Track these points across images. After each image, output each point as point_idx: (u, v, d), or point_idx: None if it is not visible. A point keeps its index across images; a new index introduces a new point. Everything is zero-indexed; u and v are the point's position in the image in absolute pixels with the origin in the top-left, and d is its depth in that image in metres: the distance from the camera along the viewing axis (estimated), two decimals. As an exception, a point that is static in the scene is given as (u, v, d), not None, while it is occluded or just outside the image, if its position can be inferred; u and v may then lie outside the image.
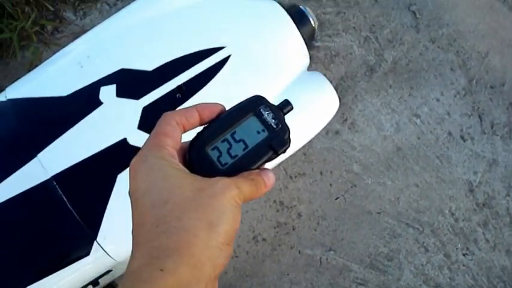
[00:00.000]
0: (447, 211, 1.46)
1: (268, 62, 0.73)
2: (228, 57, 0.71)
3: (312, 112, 0.75)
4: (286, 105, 0.45)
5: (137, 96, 0.69)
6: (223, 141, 0.42)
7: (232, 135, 0.42)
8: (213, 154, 0.41)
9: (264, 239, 1.41)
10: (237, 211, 0.38)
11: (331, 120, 1.51)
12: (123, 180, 0.67)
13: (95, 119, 0.68)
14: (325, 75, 1.12)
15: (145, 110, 0.69)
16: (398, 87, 1.57)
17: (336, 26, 1.62)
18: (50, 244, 0.66)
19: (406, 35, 1.62)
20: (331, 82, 1.52)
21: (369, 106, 1.54)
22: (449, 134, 1.53)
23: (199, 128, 0.43)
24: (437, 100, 1.56)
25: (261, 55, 0.73)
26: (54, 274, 0.65)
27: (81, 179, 0.66)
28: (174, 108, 0.69)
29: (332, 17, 1.63)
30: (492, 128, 1.55)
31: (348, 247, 1.41)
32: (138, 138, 0.67)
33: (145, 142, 0.40)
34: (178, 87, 0.70)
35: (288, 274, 1.39)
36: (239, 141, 0.42)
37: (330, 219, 1.43)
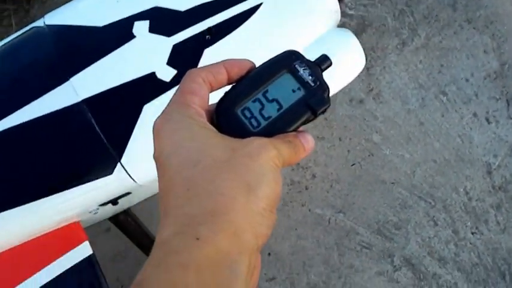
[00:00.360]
0: (462, 189, 1.48)
1: (298, 14, 0.76)
2: (260, 4, 0.74)
3: (337, 67, 0.78)
4: (324, 61, 0.40)
5: (168, 33, 0.73)
6: (254, 101, 0.37)
7: (264, 95, 0.37)
8: (244, 115, 0.37)
9: (277, 195, 1.46)
10: (278, 174, 0.33)
11: (356, 88, 1.53)
12: (148, 110, 0.72)
13: (127, 51, 0.73)
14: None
15: (175, 47, 0.73)
16: (428, 63, 1.56)
17: (373, -5, 1.61)
18: (75, 160, 0.73)
19: (442, 12, 1.60)
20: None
21: (396, 79, 1.55)
22: (474, 115, 1.52)
23: (227, 88, 0.39)
24: (467, 80, 1.55)
25: (292, 6, 0.75)
26: (78, 187, 0.72)
27: (109, 105, 0.72)
28: (202, 49, 0.74)
29: (370, -14, 1.62)
30: (519, 113, 1.54)
31: (358, 211, 1.45)
32: (166, 73, 0.72)
33: (170, 101, 0.36)
34: (209, 29, 0.73)
35: (296, 229, 1.44)
36: (272, 100, 0.37)
37: (343, 184, 1.47)
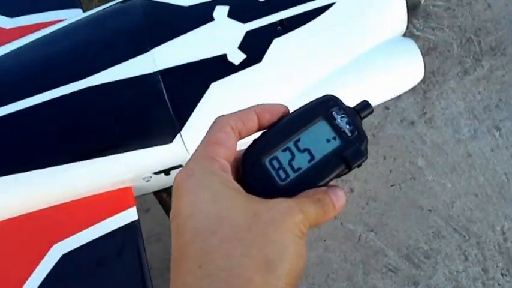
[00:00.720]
0: (499, 228, 1.44)
1: (368, 16, 0.78)
2: (332, 4, 0.77)
3: (395, 73, 0.79)
4: (365, 108, 0.37)
5: (244, 20, 0.77)
6: (284, 150, 0.35)
7: (295, 144, 0.35)
8: (272, 166, 0.34)
9: (312, 201, 1.47)
10: (302, 243, 0.30)
11: (410, 109, 1.53)
12: (215, 88, 0.76)
13: (205, 31, 0.77)
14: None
15: (248, 33, 0.77)
16: (487, 95, 1.54)
17: (442, 21, 1.60)
18: (140, 124, 0.78)
19: (510, 47, 1.58)
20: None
21: (451, 106, 1.53)
22: (526, 155, 1.49)
23: (257, 134, 0.36)
24: (524, 119, 1.52)
25: (362, 8, 0.78)
26: (138, 151, 0.76)
27: (181, 78, 0.76)
28: (272, 38, 0.77)
29: (440, 11, 1.62)
30: None
31: (390, 233, 1.44)
32: (236, 57, 0.76)
33: (194, 153, 0.34)
34: (281, 20, 0.77)
35: (325, 240, 1.45)
36: (304, 150, 0.35)
37: (380, 203, 1.47)
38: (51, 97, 0.74)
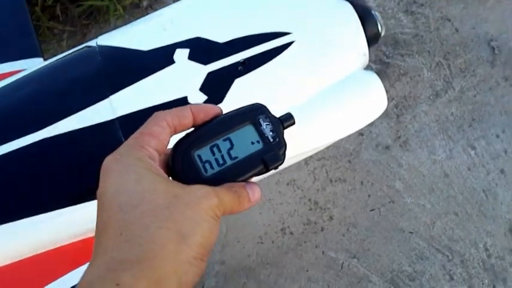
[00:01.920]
0: (481, 245, 1.44)
1: (327, 54, 0.79)
2: (291, 43, 0.78)
3: (357, 107, 0.80)
4: (288, 119, 0.42)
5: (205, 62, 0.77)
6: (212, 146, 0.38)
7: (223, 142, 0.39)
8: (200, 159, 0.38)
9: (291, 233, 1.46)
10: (215, 223, 0.34)
11: (384, 134, 1.54)
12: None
13: (166, 75, 0.77)
14: (387, 90, 1.14)
15: (209, 75, 0.77)
16: (460, 116, 1.56)
17: (411, 47, 1.63)
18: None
19: (479, 68, 1.61)
20: (393, 99, 1.55)
21: (425, 128, 1.55)
22: (502, 171, 1.50)
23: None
24: (497, 136, 1.54)
25: (322, 46, 0.79)
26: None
27: (140, 124, 0.75)
28: (233, 79, 0.77)
29: (409, 38, 1.65)
30: (549, 175, 1.51)
31: (372, 258, 1.43)
32: (197, 98, 0.76)
33: (127, 140, 0.37)
34: (242, 60, 0.77)
35: (307, 270, 1.43)
36: (230, 149, 0.39)
37: (360, 228, 1.46)
38: (8, 150, 0.73)
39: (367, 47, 0.81)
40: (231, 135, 0.39)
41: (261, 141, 0.39)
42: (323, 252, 1.44)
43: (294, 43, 0.78)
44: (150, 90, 0.77)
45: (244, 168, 0.39)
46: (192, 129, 0.40)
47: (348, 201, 1.48)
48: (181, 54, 0.78)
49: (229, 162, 0.38)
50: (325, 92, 0.77)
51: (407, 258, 1.43)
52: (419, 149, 1.53)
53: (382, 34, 0.85)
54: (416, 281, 1.41)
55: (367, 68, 0.86)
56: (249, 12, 0.81)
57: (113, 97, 0.77)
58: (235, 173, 0.38)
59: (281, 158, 0.40)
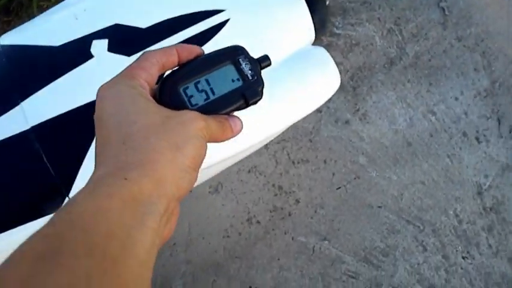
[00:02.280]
0: (451, 212, 1.42)
1: (268, 31, 0.70)
2: (227, 21, 0.68)
3: (309, 87, 0.72)
4: (264, 60, 0.46)
5: (128, 52, 0.67)
6: (197, 82, 0.41)
7: (206, 79, 0.42)
8: (185, 93, 0.41)
9: (258, 222, 1.39)
10: (203, 141, 0.38)
11: (342, 109, 1.48)
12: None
13: (84, 72, 0.67)
14: (341, 62, 1.07)
15: (135, 68, 0.67)
16: (416, 82, 1.51)
17: (360, 16, 1.56)
18: (21, 195, 0.66)
19: (432, 30, 1.56)
20: (347, 71, 1.49)
21: (383, 98, 1.50)
22: (464, 134, 1.47)
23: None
24: (456, 99, 1.50)
25: (261, 22, 0.70)
26: (24, 226, 0.64)
27: (60, 133, 0.65)
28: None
29: (357, 6, 1.58)
30: (510, 132, 1.49)
31: (343, 238, 1.38)
32: (124, 96, 0.66)
33: (118, 73, 0.40)
34: (171, 47, 0.67)
35: (278, 259, 1.37)
36: (213, 85, 0.42)
37: (328, 209, 1.40)
38: None
39: (311, 20, 0.72)
40: (214, 73, 0.42)
41: (240, 79, 0.43)
42: (293, 238, 1.38)
43: (229, 21, 0.69)
44: (67, 92, 0.66)
45: (226, 103, 0.42)
46: (177, 67, 0.42)
47: (313, 182, 1.42)
48: (100, 46, 0.68)
49: (212, 97, 0.41)
50: (272, 74, 0.68)
51: (378, 234, 1.39)
52: (379, 120, 1.48)
53: (327, 3, 0.76)
54: (390, 256, 1.37)
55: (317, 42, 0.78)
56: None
57: (24, 104, 0.66)
58: (218, 106, 0.41)
59: (259, 94, 0.43)
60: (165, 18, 0.68)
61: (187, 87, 0.41)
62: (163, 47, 0.42)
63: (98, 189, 0.32)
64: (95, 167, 0.36)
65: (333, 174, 1.43)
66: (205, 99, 0.41)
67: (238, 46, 0.44)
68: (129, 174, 0.33)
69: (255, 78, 0.43)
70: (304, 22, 0.73)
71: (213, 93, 0.42)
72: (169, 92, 0.41)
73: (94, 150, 0.38)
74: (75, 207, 0.32)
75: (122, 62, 0.67)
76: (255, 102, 0.43)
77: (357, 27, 1.57)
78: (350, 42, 1.55)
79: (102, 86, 0.39)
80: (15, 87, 0.66)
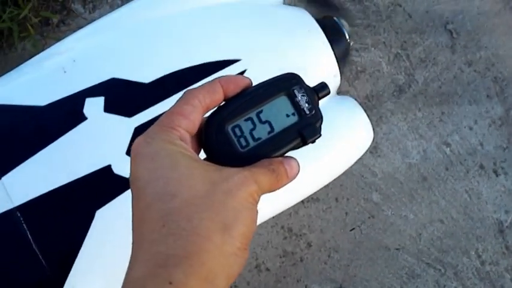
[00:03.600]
0: (473, 252, 1.32)
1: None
2: (243, 72, 0.58)
3: (340, 145, 0.62)
4: (322, 89, 0.39)
5: (129, 113, 0.56)
6: (247, 119, 0.36)
7: (257, 115, 0.37)
8: (234, 133, 0.36)
9: (267, 269, 1.27)
10: (254, 210, 0.33)
11: (352, 142, 1.38)
12: (103, 217, 0.54)
13: (75, 138, 0.56)
14: (355, 99, 0.98)
15: (138, 131, 0.56)
16: (428, 111, 1.43)
17: (365, 40, 1.48)
18: (6, 290, 0.54)
19: (440, 55, 1.48)
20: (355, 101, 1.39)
21: (394, 129, 1.40)
22: (481, 167, 1.38)
23: None
24: (470, 129, 1.42)
25: (282, 71, 0.60)
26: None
27: (51, 213, 0.53)
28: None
29: (361, 30, 1.50)
30: (529, 164, 1.40)
31: (361, 285, 1.27)
32: (125, 166, 0.55)
33: (156, 122, 0.35)
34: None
35: (291, 310, 1.25)
36: (265, 122, 0.37)
37: (343, 252, 1.30)
38: None
39: (337, 65, 0.63)
40: (265, 108, 0.37)
41: (296, 114, 0.37)
42: (306, 286, 1.27)
43: (245, 72, 0.58)
44: (57, 163, 0.55)
45: (281, 143, 0.37)
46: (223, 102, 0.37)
47: (325, 222, 1.32)
48: (95, 106, 0.57)
49: (264, 136, 0.36)
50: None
51: (397, 279, 1.28)
52: (391, 153, 1.39)
53: (351, 44, 0.67)
54: (411, 304, 1.27)
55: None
56: (181, 37, 0.61)
57: (5, 179, 0.54)
58: (271, 148, 0.36)
59: (318, 131, 0.38)
60: (171, 71, 0.58)
61: (236, 126, 0.36)
62: (206, 83, 0.36)
63: None
64: (134, 250, 0.31)
65: (346, 213, 1.32)
66: (257, 139, 0.36)
67: (293, 74, 0.38)
68: (173, 275, 0.29)
69: (313, 112, 0.37)
70: (329, 69, 0.63)
71: (266, 132, 0.36)
72: (215, 133, 0.36)
73: (124, 232, 0.33)
74: None
75: (122, 124, 0.57)
76: (313, 141, 0.38)
77: (361, 52, 1.48)
78: (356, 69, 1.46)
79: (137, 140, 0.34)
80: (-6, 159, 0.55)
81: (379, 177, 1.35)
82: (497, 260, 1.32)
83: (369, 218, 1.32)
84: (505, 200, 1.37)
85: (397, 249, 1.30)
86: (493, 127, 1.42)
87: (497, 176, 1.38)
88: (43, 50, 1.37)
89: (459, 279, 1.29)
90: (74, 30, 1.51)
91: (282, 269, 1.27)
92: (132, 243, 0.32)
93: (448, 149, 1.39)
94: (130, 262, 0.31)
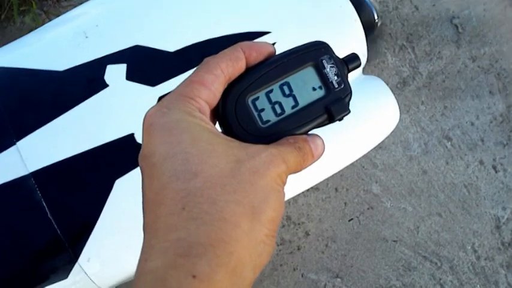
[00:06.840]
0: (469, 247, 1.33)
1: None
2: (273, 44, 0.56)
3: (367, 125, 0.61)
4: (353, 60, 0.35)
5: (153, 82, 0.54)
6: (269, 92, 0.33)
7: (281, 87, 0.33)
8: (254, 106, 0.32)
9: (266, 256, 1.26)
10: (282, 192, 0.30)
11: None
12: (122, 187, 0.52)
13: (96, 105, 0.53)
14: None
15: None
16: (431, 104, 1.42)
17: (371, 30, 1.47)
18: (19, 261, 0.51)
19: (445, 49, 1.48)
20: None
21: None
22: (481, 162, 1.39)
23: None
24: (472, 124, 1.42)
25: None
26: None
27: (68, 182, 0.51)
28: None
29: (367, 19, 1.49)
30: (528, 162, 1.42)
31: (357, 276, 1.27)
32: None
33: (173, 90, 0.31)
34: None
35: (287, 298, 1.25)
36: (289, 95, 0.33)
37: (340, 242, 1.29)
38: None
39: (366, 44, 0.61)
40: (290, 80, 0.33)
41: (323, 87, 0.34)
42: (302, 275, 1.26)
43: (275, 45, 0.56)
44: (76, 130, 0.52)
45: (306, 119, 0.33)
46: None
47: (324, 212, 1.31)
48: (116, 73, 0.54)
49: (288, 111, 0.33)
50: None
51: (394, 271, 1.28)
52: (393, 145, 1.38)
53: (378, 23, 0.65)
54: (406, 295, 1.27)
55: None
56: (207, 7, 0.58)
57: (20, 144, 0.51)
58: (295, 124, 0.33)
59: (347, 108, 0.34)
60: (198, 41, 0.56)
61: (257, 98, 0.33)
62: (227, 50, 0.32)
63: None
64: (148, 234, 0.27)
65: (345, 203, 1.32)
66: (279, 114, 0.33)
67: (322, 42, 0.34)
68: (197, 268, 0.25)
69: (342, 85, 0.34)
70: (359, 46, 0.61)
71: (289, 106, 0.33)
72: (234, 107, 0.32)
73: (141, 205, 0.28)
74: None
75: (144, 93, 0.54)
76: (341, 119, 0.34)
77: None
78: (360, 60, 1.45)
79: (150, 110, 0.30)
80: (8, 123, 0.52)
81: (379, 168, 1.35)
82: (493, 255, 1.33)
83: (368, 209, 1.32)
84: (502, 196, 1.38)
85: (394, 241, 1.30)
86: (494, 123, 1.43)
87: (496, 172, 1.39)
88: (43, 24, 1.33)
89: (454, 273, 1.30)
90: (75, 6, 1.48)
91: (279, 257, 1.26)
92: (144, 228, 0.28)
93: (449, 143, 1.39)
94: (143, 249, 0.27)
